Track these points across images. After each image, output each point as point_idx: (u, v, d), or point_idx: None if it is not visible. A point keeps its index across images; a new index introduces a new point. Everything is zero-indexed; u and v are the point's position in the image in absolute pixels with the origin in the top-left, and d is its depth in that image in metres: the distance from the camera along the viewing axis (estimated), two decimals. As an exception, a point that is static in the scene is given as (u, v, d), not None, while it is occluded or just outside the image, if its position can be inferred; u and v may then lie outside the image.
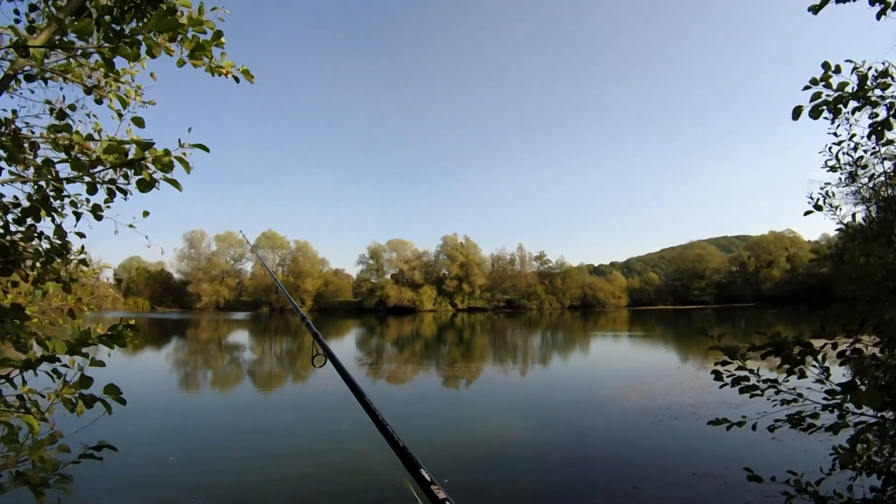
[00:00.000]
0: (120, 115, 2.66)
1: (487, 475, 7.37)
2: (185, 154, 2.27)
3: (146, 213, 3.09)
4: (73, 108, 2.92)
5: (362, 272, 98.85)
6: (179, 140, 1.89)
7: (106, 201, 2.34)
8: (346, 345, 31.69)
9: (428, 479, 0.94)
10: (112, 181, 2.06)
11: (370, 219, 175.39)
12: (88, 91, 2.73)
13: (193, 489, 6.80)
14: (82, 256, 2.93)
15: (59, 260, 2.41)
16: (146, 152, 1.89)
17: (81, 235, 2.40)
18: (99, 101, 2.78)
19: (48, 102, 2.88)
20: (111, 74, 2.66)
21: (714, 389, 11.83)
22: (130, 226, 3.12)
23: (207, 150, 1.95)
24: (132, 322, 3.65)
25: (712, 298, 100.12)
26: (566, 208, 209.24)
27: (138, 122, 2.20)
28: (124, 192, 2.10)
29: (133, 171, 2.01)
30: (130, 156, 1.94)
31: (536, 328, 45.46)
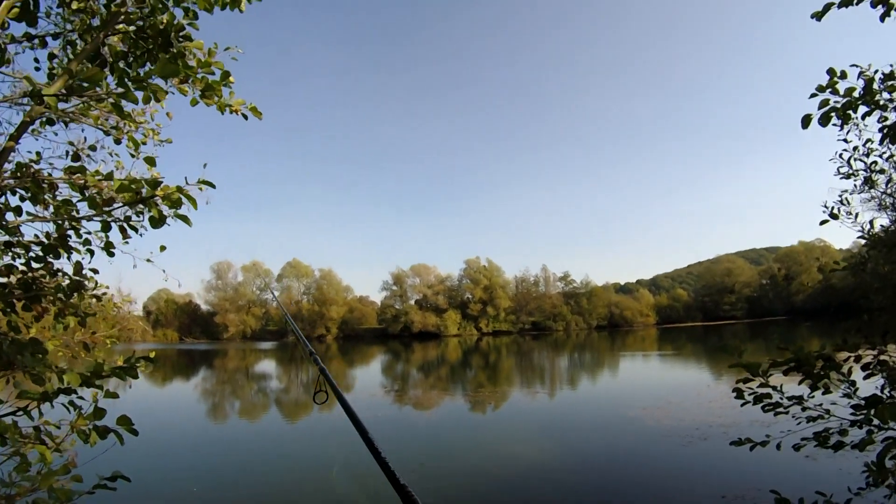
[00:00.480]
0: (134, 156, 2.81)
1: (509, 497, 7.25)
2: (200, 189, 2.38)
3: (163, 248, 3.21)
4: (94, 148, 3.08)
5: (386, 298, 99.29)
6: (186, 178, 1.98)
7: (124, 238, 2.44)
8: (371, 371, 31.68)
9: None
10: (127, 219, 2.15)
11: (393, 243, 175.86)
12: (107, 132, 2.89)
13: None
14: (99, 291, 3.04)
15: (76, 295, 2.50)
16: (156, 190, 1.97)
17: (95, 272, 2.50)
18: (118, 142, 2.93)
19: (71, 144, 3.05)
20: (126, 117, 2.82)
21: (746, 408, 11.37)
22: (148, 260, 3.24)
23: (214, 186, 2.03)
24: (152, 354, 3.74)
25: (743, 313, 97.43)
26: (590, 226, 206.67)
27: (150, 161, 2.31)
28: (135, 230, 2.19)
29: (147, 208, 2.10)
30: (144, 194, 2.04)
31: (563, 350, 44.78)
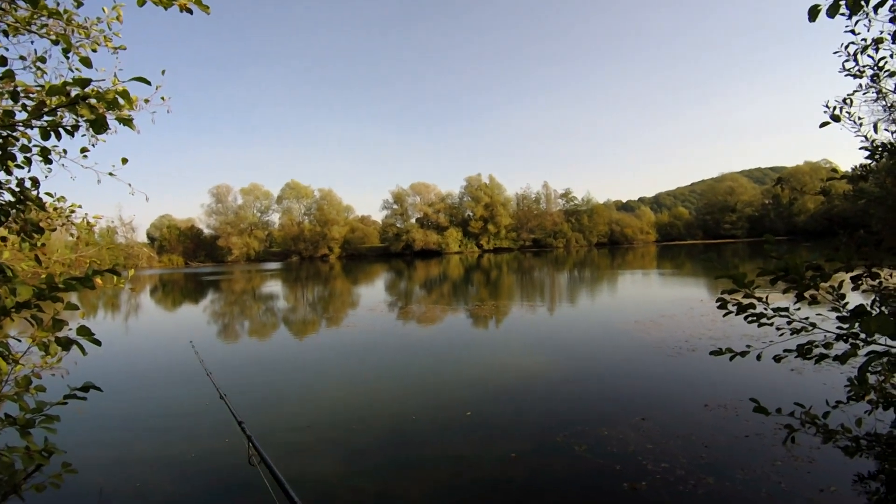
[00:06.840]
0: (89, 64, 2.58)
1: (501, 406, 7.58)
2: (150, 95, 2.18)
3: (125, 161, 3.06)
4: (42, 59, 2.86)
5: (387, 217, 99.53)
6: (115, 75, 1.80)
7: (45, 138, 2.26)
8: (376, 289, 32.30)
9: None
10: (57, 123, 1.99)
11: (393, 163, 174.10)
12: (56, 42, 2.64)
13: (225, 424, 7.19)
14: (64, 207, 2.93)
15: (15, 211, 2.39)
16: (86, 89, 1.80)
17: (35, 182, 2.36)
18: (66, 51, 2.69)
19: (22, 58, 2.84)
20: (71, 23, 2.58)
21: (738, 324, 11.64)
22: (111, 174, 3.10)
23: (149, 82, 1.85)
24: (131, 273, 3.65)
25: (744, 232, 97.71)
26: (594, 145, 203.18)
27: (86, 62, 2.11)
28: (70, 133, 2.03)
29: (79, 110, 1.93)
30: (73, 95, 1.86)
31: (563, 266, 45.35)
